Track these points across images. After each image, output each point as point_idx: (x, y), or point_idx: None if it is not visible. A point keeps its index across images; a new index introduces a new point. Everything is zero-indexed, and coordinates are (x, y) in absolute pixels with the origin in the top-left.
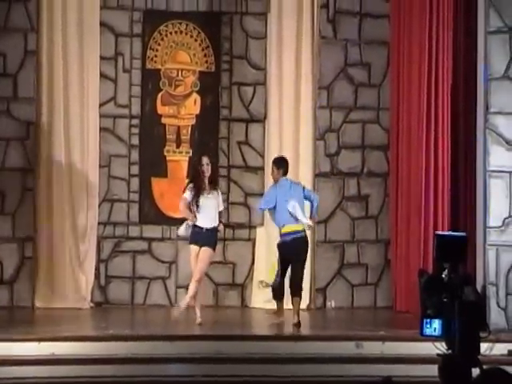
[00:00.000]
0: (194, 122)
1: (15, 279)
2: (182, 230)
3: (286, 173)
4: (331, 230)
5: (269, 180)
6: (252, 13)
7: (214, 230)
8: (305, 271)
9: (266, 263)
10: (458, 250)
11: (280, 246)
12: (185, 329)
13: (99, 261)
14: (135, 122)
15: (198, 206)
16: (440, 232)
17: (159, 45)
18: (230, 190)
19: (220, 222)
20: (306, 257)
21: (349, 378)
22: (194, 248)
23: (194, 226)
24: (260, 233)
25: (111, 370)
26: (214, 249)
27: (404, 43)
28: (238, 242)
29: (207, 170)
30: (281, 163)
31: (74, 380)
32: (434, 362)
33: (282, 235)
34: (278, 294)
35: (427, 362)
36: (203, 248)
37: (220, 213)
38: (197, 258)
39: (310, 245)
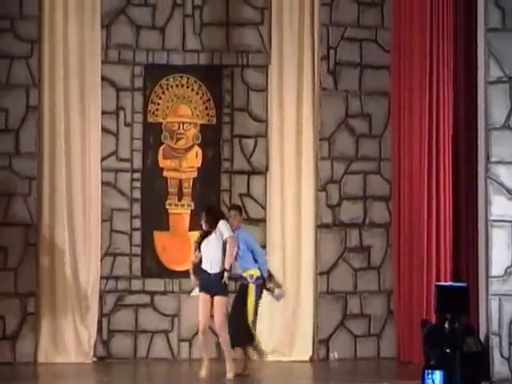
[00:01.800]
0: (195, 174)
1: (18, 335)
2: (195, 292)
3: None
4: (333, 281)
5: (271, 232)
6: (253, 65)
7: (220, 275)
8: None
9: (269, 315)
10: (458, 300)
11: (260, 287)
12: (188, 382)
13: (102, 315)
14: (137, 175)
15: (199, 250)
16: (440, 283)
17: (160, 98)
18: None
19: (224, 269)
20: None
21: None
22: (203, 296)
23: (202, 270)
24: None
25: None
26: (226, 295)
27: (405, 94)
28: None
29: (203, 225)
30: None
31: None
32: None
33: (258, 277)
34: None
35: None
36: (217, 297)
37: (225, 243)
38: (206, 306)
39: (311, 296)
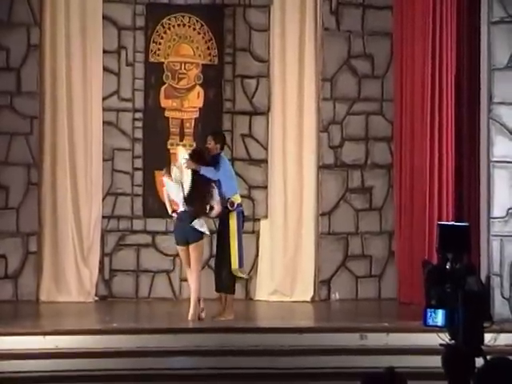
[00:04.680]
0: (197, 115)
1: (20, 273)
2: None
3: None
4: (335, 222)
5: (273, 173)
6: (255, 5)
7: None
8: (306, 262)
9: (270, 256)
10: (460, 240)
11: (242, 215)
12: (189, 322)
13: (103, 254)
14: (138, 115)
15: None
16: (442, 222)
17: (162, 38)
18: None
19: None
20: None
21: (353, 370)
22: None
23: None
24: (264, 225)
25: (115, 363)
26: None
27: (407, 34)
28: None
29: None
30: (221, 138)
31: (78, 373)
32: (438, 352)
33: (239, 204)
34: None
35: (431, 353)
36: None
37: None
38: None
39: (313, 236)
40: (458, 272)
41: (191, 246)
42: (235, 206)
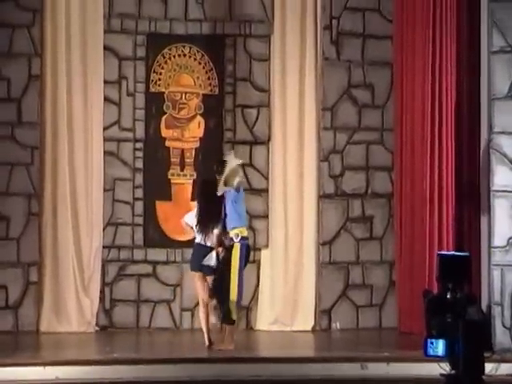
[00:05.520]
0: (198, 144)
1: (20, 304)
2: None
3: None
4: (336, 252)
5: (274, 202)
6: (255, 35)
7: None
8: (306, 292)
9: (271, 285)
10: (460, 269)
11: (247, 248)
12: (189, 352)
13: (104, 284)
14: (139, 145)
15: None
16: (442, 252)
17: (163, 68)
18: None
19: None
20: None
21: None
22: None
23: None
24: (265, 255)
25: None
26: None
27: (407, 64)
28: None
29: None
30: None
31: None
32: (439, 382)
33: (243, 238)
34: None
35: (432, 383)
36: None
37: None
38: None
39: (314, 266)
40: (459, 302)
41: (207, 278)
42: (238, 238)
